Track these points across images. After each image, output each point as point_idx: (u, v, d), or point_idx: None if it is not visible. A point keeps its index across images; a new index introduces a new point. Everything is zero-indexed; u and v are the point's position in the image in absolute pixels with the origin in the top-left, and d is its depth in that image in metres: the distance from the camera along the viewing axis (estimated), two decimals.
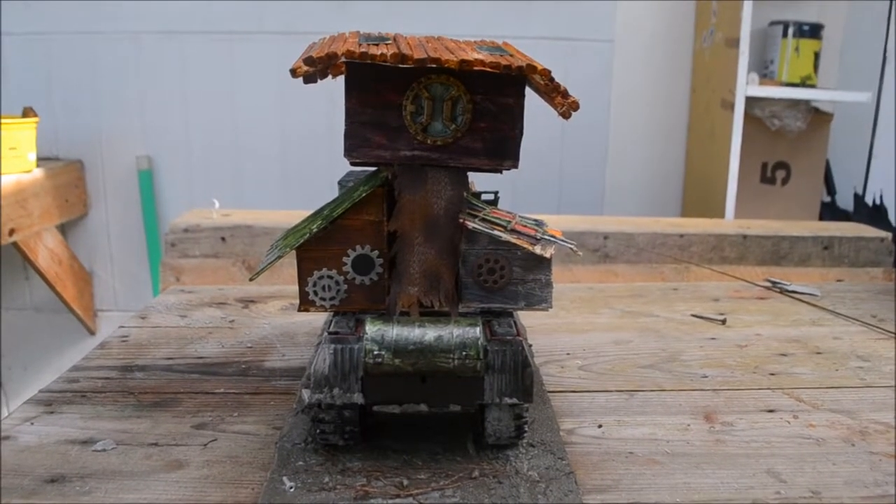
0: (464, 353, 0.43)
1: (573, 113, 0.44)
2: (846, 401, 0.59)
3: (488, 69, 0.41)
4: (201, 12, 1.52)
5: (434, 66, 0.41)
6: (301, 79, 0.43)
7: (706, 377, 0.63)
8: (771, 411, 0.56)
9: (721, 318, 0.79)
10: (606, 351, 0.69)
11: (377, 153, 0.44)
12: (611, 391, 0.60)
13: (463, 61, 0.40)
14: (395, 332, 0.44)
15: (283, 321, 0.75)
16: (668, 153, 1.68)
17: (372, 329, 0.44)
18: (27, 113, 1.41)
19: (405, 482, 0.43)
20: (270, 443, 0.49)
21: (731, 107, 1.40)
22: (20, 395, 1.69)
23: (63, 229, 1.60)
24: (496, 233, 0.45)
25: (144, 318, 0.76)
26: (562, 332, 0.75)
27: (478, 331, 0.44)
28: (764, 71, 1.55)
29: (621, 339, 0.72)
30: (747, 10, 1.35)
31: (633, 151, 1.67)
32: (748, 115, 1.42)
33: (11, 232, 1.32)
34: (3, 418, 0.52)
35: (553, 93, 0.44)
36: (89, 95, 1.55)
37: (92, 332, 1.66)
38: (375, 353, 0.43)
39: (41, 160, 1.47)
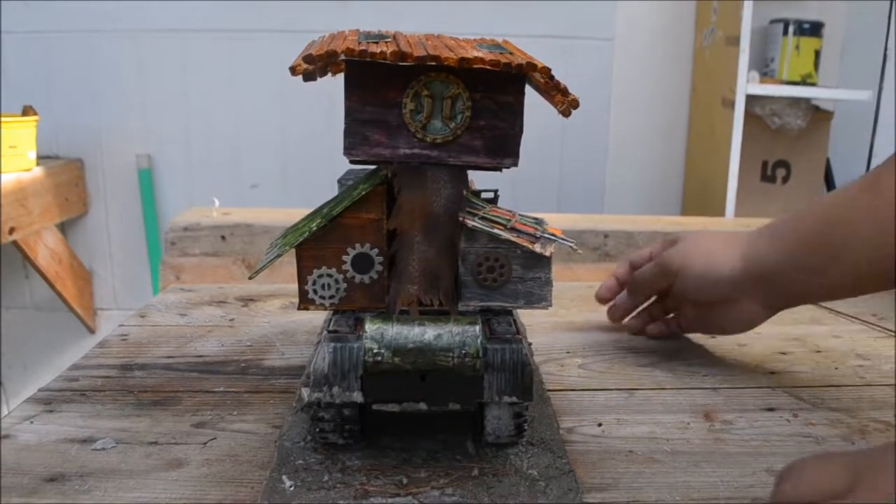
0: (463, 351, 0.43)
1: (573, 111, 0.44)
2: (846, 399, 0.58)
3: (488, 67, 0.40)
4: (201, 11, 1.52)
5: (434, 63, 0.41)
6: (300, 77, 0.43)
7: (706, 376, 0.63)
8: (771, 410, 0.56)
9: None
10: (606, 349, 0.69)
11: (377, 151, 0.44)
12: (610, 390, 0.60)
13: (462, 59, 0.40)
14: (395, 330, 0.44)
15: (282, 320, 0.75)
16: (668, 151, 1.68)
17: (371, 327, 0.44)
18: (27, 111, 1.41)
19: (405, 480, 0.43)
20: (270, 441, 0.49)
21: (732, 105, 1.40)
22: (20, 393, 1.69)
23: (63, 228, 1.60)
24: (496, 231, 0.45)
25: (144, 316, 0.76)
26: (561, 330, 0.75)
27: (477, 329, 0.44)
28: (764, 69, 1.55)
29: (621, 338, 0.72)
30: (748, 8, 1.35)
31: (633, 150, 1.67)
32: (748, 114, 1.42)
33: (11, 230, 1.32)
34: (3, 417, 0.52)
35: (553, 91, 0.43)
36: (89, 94, 1.55)
37: (92, 331, 1.66)
38: (375, 351, 0.43)
39: (41, 159, 1.47)
